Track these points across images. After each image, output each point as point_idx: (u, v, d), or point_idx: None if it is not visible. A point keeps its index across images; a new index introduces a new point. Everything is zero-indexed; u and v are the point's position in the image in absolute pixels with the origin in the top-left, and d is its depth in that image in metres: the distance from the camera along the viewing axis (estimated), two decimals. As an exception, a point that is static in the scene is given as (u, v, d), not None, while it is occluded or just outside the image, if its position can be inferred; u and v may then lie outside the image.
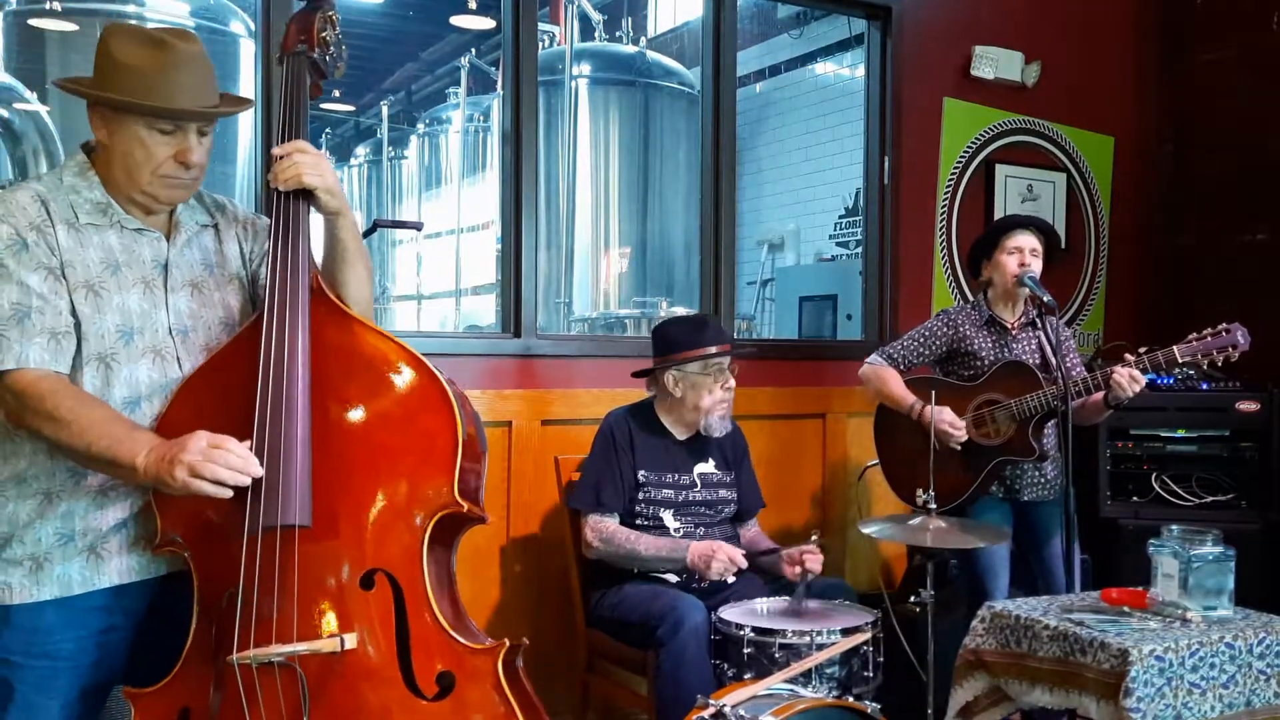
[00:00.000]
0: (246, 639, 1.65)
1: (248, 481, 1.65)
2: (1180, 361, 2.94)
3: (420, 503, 1.76)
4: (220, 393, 1.74)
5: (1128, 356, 2.97)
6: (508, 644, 1.76)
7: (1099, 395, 3.04)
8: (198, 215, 1.93)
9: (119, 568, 1.79)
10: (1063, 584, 3.05)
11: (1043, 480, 3.22)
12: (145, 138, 1.75)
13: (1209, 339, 2.91)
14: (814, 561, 2.77)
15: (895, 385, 3.23)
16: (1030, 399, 3.05)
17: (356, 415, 1.77)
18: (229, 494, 1.63)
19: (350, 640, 1.67)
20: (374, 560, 1.73)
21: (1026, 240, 3.19)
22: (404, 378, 1.79)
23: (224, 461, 1.62)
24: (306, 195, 1.83)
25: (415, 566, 1.75)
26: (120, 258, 1.79)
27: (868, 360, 3.34)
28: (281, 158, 1.82)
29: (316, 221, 1.90)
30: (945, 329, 3.27)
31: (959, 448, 3.11)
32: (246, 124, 3.85)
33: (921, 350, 3.29)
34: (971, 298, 4.19)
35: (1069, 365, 3.15)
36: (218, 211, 1.97)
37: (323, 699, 1.66)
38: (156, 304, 1.82)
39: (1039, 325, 3.22)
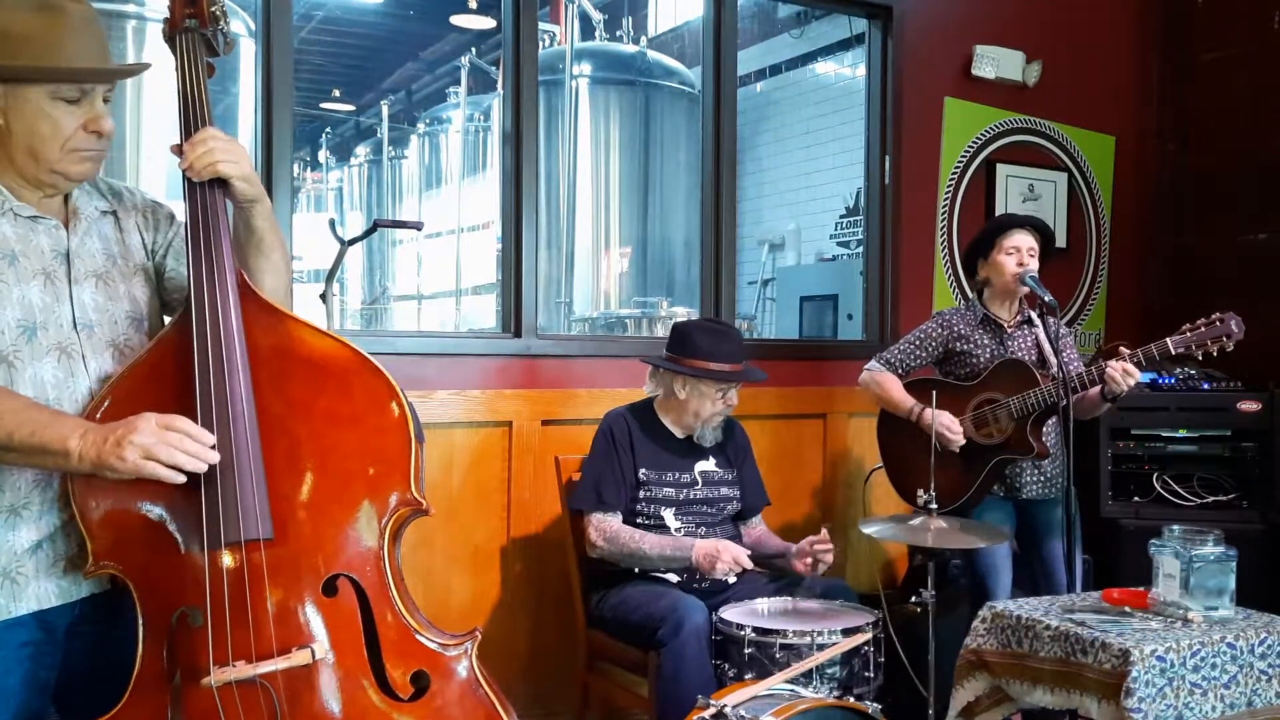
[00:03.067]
0: (220, 658, 1.59)
1: (204, 467, 1.56)
2: (1174, 353, 2.90)
3: (379, 501, 1.70)
4: (154, 399, 1.62)
5: (1123, 350, 2.96)
6: (479, 635, 1.73)
7: (1095, 390, 3.02)
8: (96, 201, 1.79)
9: (37, 593, 1.65)
10: (1064, 584, 3.06)
11: (1043, 478, 3.22)
12: (50, 110, 1.62)
13: (1202, 329, 2.89)
14: (826, 554, 2.79)
15: (894, 389, 3.24)
16: (1028, 396, 3.04)
17: (303, 417, 1.69)
18: (182, 479, 1.54)
19: (320, 650, 1.62)
20: (335, 565, 1.68)
21: (1024, 240, 3.18)
22: (348, 374, 1.71)
23: (180, 445, 1.53)
24: (221, 184, 1.70)
25: (377, 567, 1.69)
26: (16, 248, 1.65)
27: (866, 367, 3.34)
28: (193, 146, 1.67)
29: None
30: (940, 330, 3.27)
31: (957, 450, 3.11)
32: (246, 123, 3.84)
33: (918, 353, 3.29)
34: (972, 297, 4.19)
35: (1066, 360, 3.15)
36: (114, 198, 1.82)
37: (297, 712, 1.62)
38: (60, 297, 1.68)
39: (1035, 323, 3.23)
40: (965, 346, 3.23)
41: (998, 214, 4.34)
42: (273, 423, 1.67)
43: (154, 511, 1.64)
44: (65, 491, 1.66)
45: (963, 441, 3.10)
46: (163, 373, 1.67)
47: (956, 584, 3.41)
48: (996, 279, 3.22)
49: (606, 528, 2.86)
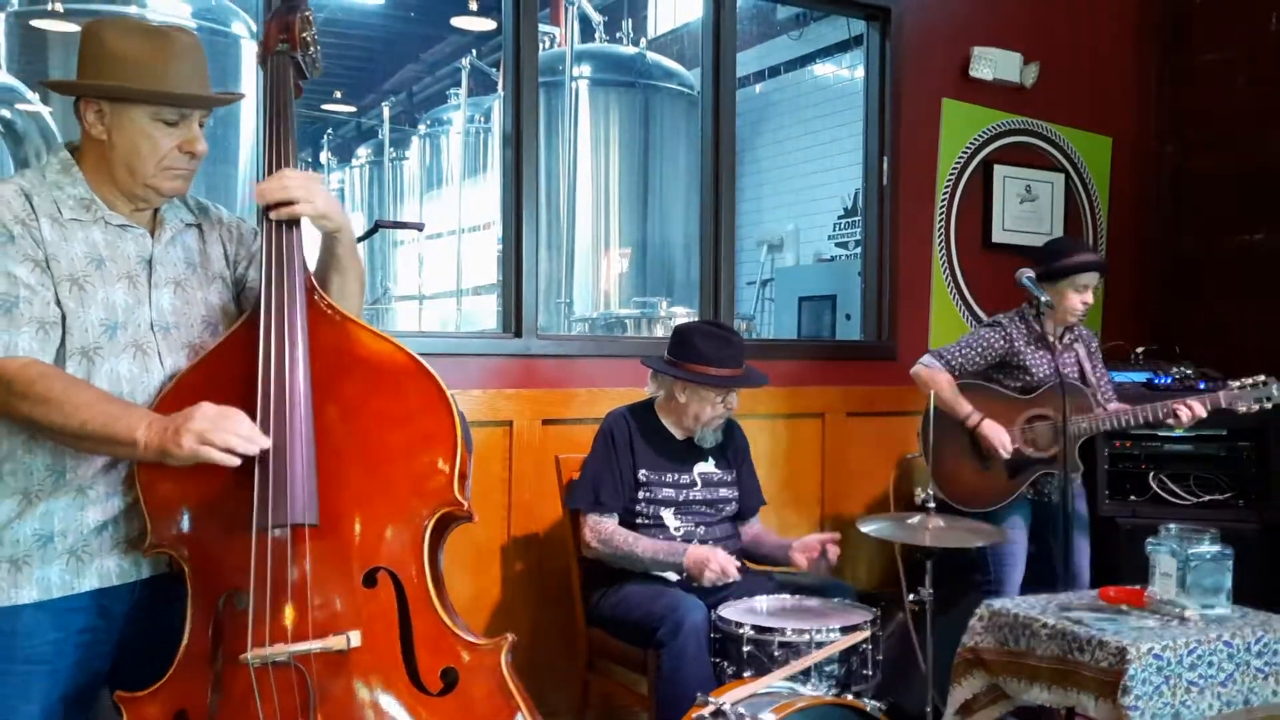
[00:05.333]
0: (259, 638, 1.65)
1: (256, 450, 1.65)
2: (1225, 405, 3.16)
3: (422, 501, 1.77)
4: (218, 391, 1.72)
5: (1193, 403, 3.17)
6: (510, 638, 1.79)
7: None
8: (181, 213, 1.91)
9: (100, 570, 1.76)
10: (1083, 576, 3.31)
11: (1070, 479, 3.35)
12: (150, 130, 1.74)
13: (1248, 389, 3.14)
14: (833, 550, 2.83)
15: (950, 391, 3.37)
16: (1079, 421, 3.22)
17: (356, 414, 1.77)
18: (237, 462, 1.63)
19: (356, 638, 1.68)
20: (377, 558, 1.75)
21: (1093, 280, 3.35)
22: (402, 377, 1.79)
23: (234, 429, 1.62)
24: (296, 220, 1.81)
25: (417, 564, 1.76)
26: (104, 253, 1.77)
27: (922, 361, 3.44)
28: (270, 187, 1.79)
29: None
30: (1002, 342, 3.39)
31: (1005, 457, 3.31)
32: (248, 124, 3.86)
33: (976, 359, 3.41)
34: (969, 298, 4.26)
35: (1100, 374, 3.46)
36: (200, 213, 1.95)
37: (329, 697, 1.68)
38: (140, 299, 1.80)
39: (1079, 337, 3.44)
40: (1021, 361, 3.39)
41: (996, 215, 4.39)
42: (328, 418, 1.76)
43: (211, 498, 1.72)
44: (131, 474, 1.75)
45: (1009, 454, 3.29)
46: (229, 366, 1.77)
47: (972, 579, 3.49)
48: (1058, 306, 3.34)
49: (601, 529, 2.88)
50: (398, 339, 1.85)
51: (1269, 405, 3.14)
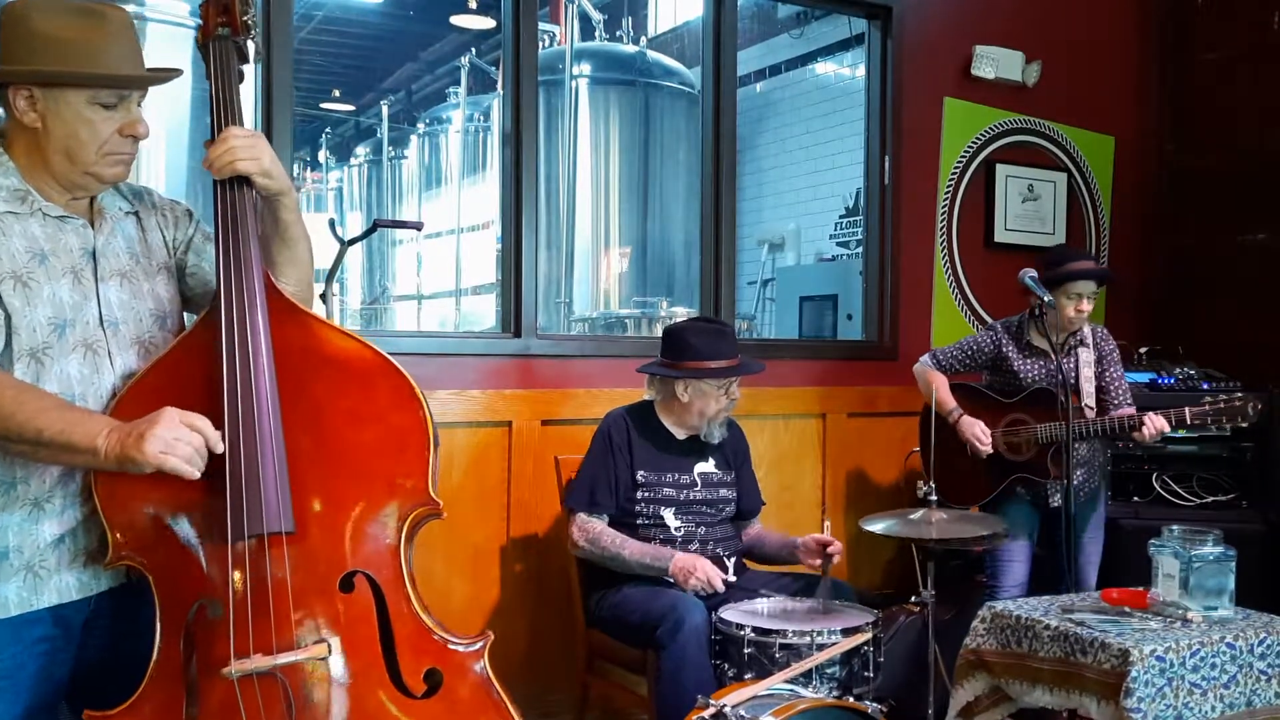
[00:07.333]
0: (241, 649, 1.60)
1: (220, 451, 1.59)
2: (1190, 423, 3.13)
3: (397, 501, 1.73)
4: (177, 394, 1.65)
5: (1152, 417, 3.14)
6: (491, 636, 1.76)
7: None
8: (119, 202, 1.82)
9: (58, 586, 1.68)
10: (1089, 580, 3.32)
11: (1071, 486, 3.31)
12: (89, 114, 1.65)
13: (1222, 405, 3.08)
14: (835, 550, 2.81)
15: (940, 389, 3.45)
16: (1050, 427, 3.24)
17: (325, 416, 1.72)
18: (197, 475, 1.56)
19: (336, 645, 1.65)
20: (353, 562, 1.70)
21: (1088, 288, 3.33)
22: (371, 375, 1.75)
23: (197, 443, 1.56)
24: (246, 181, 1.73)
25: (393, 566, 1.72)
26: (46, 246, 1.67)
27: (921, 359, 3.54)
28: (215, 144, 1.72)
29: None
30: (990, 346, 3.46)
31: (985, 458, 3.34)
32: (246, 123, 3.83)
33: (966, 361, 3.50)
34: (971, 297, 4.26)
35: (1112, 378, 3.41)
36: (136, 199, 1.85)
37: (311, 704, 1.64)
38: (87, 295, 1.70)
39: (1086, 344, 3.41)
40: (1010, 366, 3.43)
41: (998, 214, 4.39)
42: (296, 420, 1.70)
43: (176, 505, 1.66)
44: (87, 485, 1.68)
45: (989, 451, 3.32)
46: (188, 369, 1.70)
47: (970, 580, 3.49)
48: (1054, 314, 3.34)
49: (590, 529, 2.87)
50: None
51: (1244, 425, 3.08)
